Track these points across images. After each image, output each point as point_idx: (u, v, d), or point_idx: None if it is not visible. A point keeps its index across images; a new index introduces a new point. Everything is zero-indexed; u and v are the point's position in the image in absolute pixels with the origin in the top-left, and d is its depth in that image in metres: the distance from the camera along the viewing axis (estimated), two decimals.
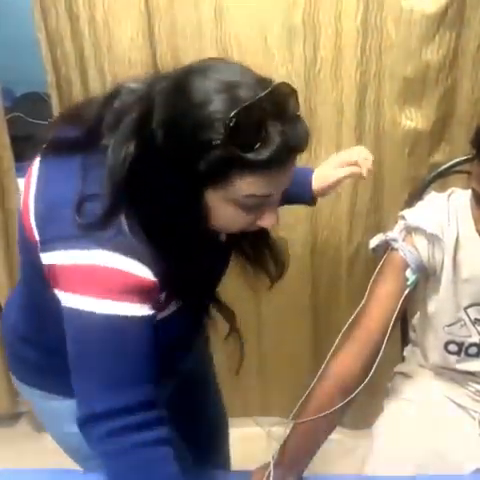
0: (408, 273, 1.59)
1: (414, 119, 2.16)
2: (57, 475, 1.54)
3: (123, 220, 1.18)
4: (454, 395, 1.76)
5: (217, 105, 1.09)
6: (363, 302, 1.59)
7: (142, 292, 1.19)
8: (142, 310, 1.20)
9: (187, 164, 1.12)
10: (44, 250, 1.21)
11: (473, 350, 1.66)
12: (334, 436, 1.55)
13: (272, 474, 1.41)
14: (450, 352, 1.68)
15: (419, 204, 1.71)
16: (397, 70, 2.10)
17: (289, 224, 2.38)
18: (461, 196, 1.62)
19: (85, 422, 1.21)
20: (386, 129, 2.21)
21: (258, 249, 1.48)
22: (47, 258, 1.20)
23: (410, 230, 1.61)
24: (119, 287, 1.17)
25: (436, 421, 1.72)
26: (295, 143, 1.14)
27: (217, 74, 1.14)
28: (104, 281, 1.16)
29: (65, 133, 1.30)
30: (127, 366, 1.20)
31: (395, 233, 1.63)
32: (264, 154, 1.10)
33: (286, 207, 2.32)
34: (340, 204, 2.34)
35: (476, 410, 1.73)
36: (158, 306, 1.26)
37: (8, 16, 2.32)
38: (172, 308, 1.33)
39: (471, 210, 1.50)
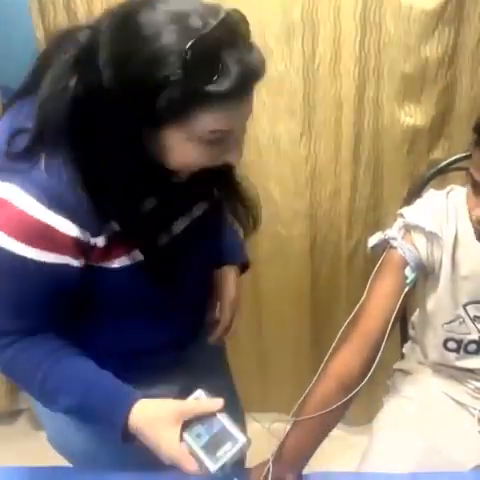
0: (407, 271, 1.58)
1: (413, 115, 2.16)
2: (56, 473, 1.53)
3: (43, 156, 1.15)
4: (453, 392, 1.75)
5: (169, 37, 1.05)
6: (362, 300, 1.59)
7: (43, 237, 1.16)
8: (40, 256, 1.17)
9: (141, 104, 1.08)
10: None
11: (472, 347, 1.66)
12: (334, 432, 1.55)
13: (271, 471, 1.41)
14: (449, 349, 1.68)
15: (418, 202, 1.70)
16: (396, 66, 2.10)
17: (288, 220, 2.38)
18: (460, 193, 1.61)
19: None
20: (385, 125, 2.20)
21: (230, 201, 1.45)
22: None
23: (409, 228, 1.61)
24: (16, 225, 1.15)
25: (435, 418, 1.72)
26: (253, 71, 1.11)
27: (164, 5, 1.08)
28: (5, 216, 1.14)
29: None
30: (5, 298, 1.24)
31: (394, 231, 1.62)
32: (225, 85, 1.07)
33: (285, 201, 2.34)
34: (339, 200, 2.34)
35: (475, 407, 1.73)
36: (96, 256, 1.23)
37: (5, 12, 2.31)
38: (133, 259, 1.27)
39: (466, 198, 1.49)
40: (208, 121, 1.11)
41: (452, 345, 1.67)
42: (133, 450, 1.48)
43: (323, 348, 1.57)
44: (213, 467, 1.19)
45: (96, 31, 1.12)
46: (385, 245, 1.65)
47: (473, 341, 1.65)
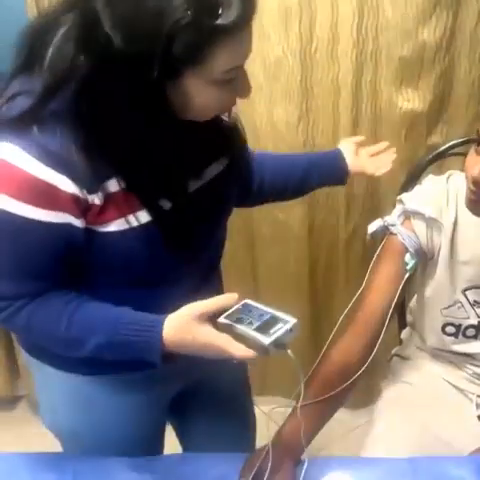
0: (407, 258, 1.58)
1: (411, 100, 2.15)
2: (55, 459, 1.54)
3: (42, 120, 1.15)
4: (452, 378, 1.76)
5: None
6: (362, 287, 1.59)
7: (43, 196, 1.16)
8: (41, 215, 1.17)
9: (157, 57, 1.08)
10: None
11: (471, 332, 1.66)
12: (333, 417, 1.56)
13: (271, 456, 1.42)
14: (447, 334, 1.68)
15: (417, 188, 1.70)
16: (394, 50, 2.09)
17: (286, 205, 2.37)
18: (459, 178, 1.60)
19: None
20: (383, 110, 2.20)
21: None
22: None
23: (408, 214, 1.60)
24: (17, 185, 1.14)
25: (434, 403, 1.73)
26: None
27: None
28: (4, 176, 1.14)
29: None
30: (9, 262, 1.24)
31: (393, 218, 1.62)
32: (230, 16, 1.09)
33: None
34: None
35: (473, 392, 1.73)
36: (94, 215, 1.23)
37: None
38: (133, 222, 1.26)
39: (466, 163, 1.47)
40: (223, 58, 1.13)
41: (451, 330, 1.67)
42: (116, 429, 1.55)
43: (322, 332, 1.58)
44: (267, 340, 1.15)
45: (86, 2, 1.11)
46: (384, 231, 1.64)
47: (472, 326, 1.65)
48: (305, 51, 2.12)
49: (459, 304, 1.63)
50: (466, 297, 1.63)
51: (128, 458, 1.50)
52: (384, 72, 2.14)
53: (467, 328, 1.66)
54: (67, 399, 1.53)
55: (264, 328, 1.17)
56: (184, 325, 1.22)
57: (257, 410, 1.83)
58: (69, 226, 1.21)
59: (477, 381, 1.73)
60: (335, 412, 1.54)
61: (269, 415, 1.53)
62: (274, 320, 1.19)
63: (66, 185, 1.16)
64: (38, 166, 1.14)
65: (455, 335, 1.68)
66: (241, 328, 1.18)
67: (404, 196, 1.65)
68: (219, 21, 1.08)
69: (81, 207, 1.20)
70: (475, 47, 2.06)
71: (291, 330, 1.17)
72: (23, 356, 1.59)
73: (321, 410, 1.52)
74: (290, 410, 1.52)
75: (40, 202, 1.16)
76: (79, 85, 1.13)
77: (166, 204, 1.28)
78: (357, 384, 1.54)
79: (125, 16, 1.08)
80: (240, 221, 2.36)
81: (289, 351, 1.18)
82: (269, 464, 1.40)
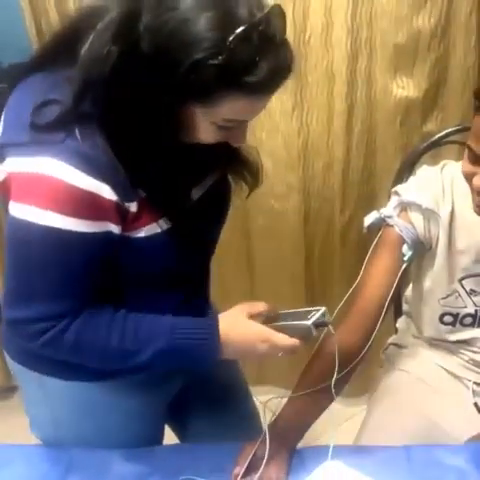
0: (404, 249, 1.58)
1: (406, 87, 2.15)
2: (51, 449, 1.55)
3: (77, 125, 1.15)
4: (448, 364, 1.76)
5: (214, 21, 1.07)
6: (359, 278, 1.59)
7: (88, 206, 1.16)
8: (86, 226, 1.18)
9: (174, 79, 1.09)
10: (0, 160, 1.19)
11: (468, 320, 1.67)
12: (330, 407, 1.56)
13: (268, 445, 1.42)
14: (445, 323, 1.68)
15: (412, 179, 1.69)
16: (388, 37, 2.08)
17: (282, 194, 2.38)
18: (454, 168, 1.60)
19: (11, 324, 1.27)
20: (378, 97, 2.19)
21: (232, 163, 1.47)
22: (3, 167, 1.19)
23: (405, 206, 1.60)
24: (63, 200, 1.14)
25: (430, 391, 1.73)
26: (284, 69, 1.14)
27: None
28: (48, 192, 1.14)
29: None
30: (55, 280, 1.22)
31: (389, 209, 1.61)
32: (257, 78, 1.09)
33: (278, 175, 2.33)
34: (332, 173, 2.33)
35: (470, 379, 1.73)
36: (128, 221, 1.24)
37: None
38: (158, 228, 1.28)
39: (462, 168, 1.47)
40: (229, 109, 1.15)
41: (448, 319, 1.67)
42: (120, 432, 1.55)
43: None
44: (308, 322, 1.29)
45: None
46: (381, 223, 1.64)
47: (469, 314, 1.65)
48: (299, 39, 2.11)
49: (456, 294, 1.63)
50: (463, 286, 1.62)
51: (124, 449, 1.51)
52: (379, 59, 2.13)
53: (464, 317, 1.66)
54: (71, 409, 1.52)
55: (301, 318, 1.32)
56: (236, 319, 1.33)
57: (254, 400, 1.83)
58: (110, 234, 1.22)
59: (473, 368, 1.73)
60: (331, 401, 1.54)
61: (266, 405, 1.53)
62: (306, 312, 1.33)
63: (108, 193, 1.17)
64: (82, 177, 1.14)
65: (452, 324, 1.68)
66: (283, 322, 1.34)
67: (399, 187, 1.64)
68: (243, 78, 1.09)
69: (120, 214, 1.22)
70: (470, 34, 2.06)
71: (324, 315, 1.31)
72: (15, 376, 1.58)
73: (317, 400, 1.52)
74: (286, 400, 1.52)
75: (85, 213, 1.17)
76: (106, 80, 1.13)
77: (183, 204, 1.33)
78: (353, 374, 1.54)
79: (163, 27, 1.08)
80: (235, 211, 2.34)
81: (330, 327, 1.33)
82: (266, 452, 1.41)
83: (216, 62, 1.06)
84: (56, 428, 1.56)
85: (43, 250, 1.19)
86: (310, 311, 1.33)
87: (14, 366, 1.53)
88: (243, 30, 1.06)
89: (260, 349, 1.31)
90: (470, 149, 1.38)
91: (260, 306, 1.36)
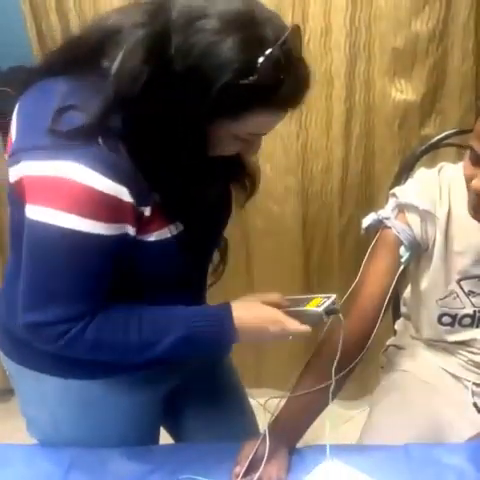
0: (402, 251, 1.59)
1: (404, 90, 2.15)
2: (51, 449, 1.54)
3: (100, 136, 1.17)
4: (447, 365, 1.76)
5: (242, 43, 1.10)
6: (357, 280, 1.59)
7: (108, 209, 1.18)
8: (106, 229, 1.19)
9: (205, 98, 1.13)
10: (14, 162, 1.20)
11: (467, 321, 1.67)
12: (328, 407, 1.56)
13: (268, 444, 1.43)
14: (443, 324, 1.68)
15: (409, 181, 1.70)
16: (387, 41, 2.09)
17: (280, 197, 2.39)
18: (451, 170, 1.61)
19: (29, 327, 1.27)
20: (376, 101, 2.20)
21: (236, 171, 1.50)
22: (16, 171, 1.20)
23: (402, 208, 1.61)
24: (83, 202, 1.16)
25: (431, 391, 1.73)
26: (306, 84, 1.20)
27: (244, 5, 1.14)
28: (69, 194, 1.15)
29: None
30: (74, 281, 1.24)
31: (387, 211, 1.62)
32: (282, 95, 1.15)
33: (277, 178, 2.34)
34: (331, 176, 2.34)
35: (469, 379, 1.74)
36: (141, 225, 1.26)
37: None
38: (169, 233, 1.31)
39: (463, 170, 1.48)
40: (254, 124, 1.21)
41: (447, 320, 1.68)
42: (117, 430, 1.56)
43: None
44: (319, 309, 1.34)
45: (166, 13, 1.14)
46: (379, 225, 1.65)
47: (467, 315, 1.66)
48: None
49: (454, 295, 1.64)
50: (461, 287, 1.63)
51: (123, 448, 1.51)
52: (377, 63, 2.14)
53: (463, 317, 1.67)
54: (69, 408, 1.52)
55: (312, 304, 1.37)
56: (249, 303, 1.38)
57: (253, 402, 1.84)
58: (126, 236, 1.24)
59: (472, 368, 1.73)
60: (329, 403, 1.54)
61: (264, 406, 1.53)
62: (316, 299, 1.38)
63: (126, 196, 1.19)
64: (101, 180, 1.15)
65: (451, 325, 1.68)
66: (297, 308, 1.38)
67: (397, 189, 1.65)
68: (271, 96, 1.14)
69: (136, 217, 1.24)
70: (468, 38, 2.06)
71: (334, 303, 1.37)
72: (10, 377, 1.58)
73: (315, 401, 1.53)
74: (285, 400, 1.53)
75: (104, 216, 1.18)
76: (137, 98, 1.15)
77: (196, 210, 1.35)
78: (351, 375, 1.55)
79: (193, 48, 1.11)
80: (234, 213, 2.36)
81: (340, 315, 1.39)
82: (266, 451, 1.42)
83: (246, 82, 1.11)
84: (54, 428, 1.56)
85: (62, 252, 1.20)
86: (320, 297, 1.39)
87: (10, 366, 1.53)
88: (271, 51, 1.11)
89: (272, 331, 1.34)
90: (472, 149, 1.39)
91: (273, 296, 1.40)
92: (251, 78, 1.11)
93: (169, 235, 1.30)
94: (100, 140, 1.17)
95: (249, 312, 1.35)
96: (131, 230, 1.24)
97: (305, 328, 1.34)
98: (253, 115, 1.17)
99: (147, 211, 1.25)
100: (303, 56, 1.21)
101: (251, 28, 1.12)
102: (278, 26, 1.16)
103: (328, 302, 1.35)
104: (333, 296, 1.38)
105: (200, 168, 1.27)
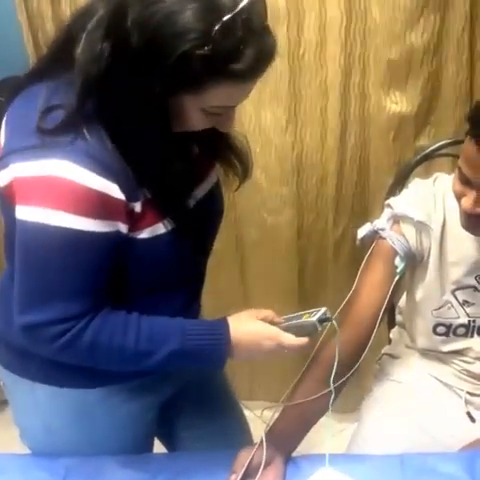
0: (397, 261, 1.60)
1: (399, 102, 2.16)
2: (47, 458, 1.54)
3: (83, 126, 1.17)
4: (441, 374, 1.77)
5: (199, 12, 1.09)
6: (352, 291, 1.60)
7: (99, 206, 1.18)
8: (98, 226, 1.19)
9: (163, 70, 1.12)
10: (3, 166, 1.20)
11: (461, 330, 1.68)
12: (323, 419, 1.56)
13: (265, 453, 1.43)
14: (438, 334, 1.69)
15: (404, 192, 1.72)
16: (382, 53, 2.10)
17: (275, 208, 2.39)
18: (446, 181, 1.62)
19: (27, 329, 1.26)
20: (371, 113, 2.21)
21: (222, 151, 1.49)
22: (6, 174, 1.20)
23: (397, 219, 1.61)
24: (73, 200, 1.16)
25: (423, 400, 1.74)
26: (268, 54, 1.17)
27: None
28: (59, 193, 1.16)
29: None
30: (70, 280, 1.23)
31: (382, 222, 1.63)
32: (243, 65, 1.12)
33: (271, 189, 2.34)
34: (326, 188, 2.34)
35: (462, 388, 1.74)
36: (133, 221, 1.26)
37: None
38: (162, 229, 1.31)
39: (452, 185, 1.49)
40: (218, 96, 1.18)
41: (441, 330, 1.68)
42: (111, 438, 1.55)
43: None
44: (314, 318, 1.35)
45: None
46: (374, 236, 1.65)
47: (462, 325, 1.67)
48: (293, 54, 2.12)
49: (449, 305, 1.65)
50: (456, 297, 1.64)
51: (119, 456, 1.51)
52: (372, 75, 2.15)
53: (458, 327, 1.68)
54: (63, 416, 1.52)
55: (305, 318, 1.38)
56: (244, 319, 1.37)
57: (247, 413, 1.83)
58: (119, 233, 1.24)
59: (466, 378, 1.74)
60: (325, 412, 1.54)
61: (261, 416, 1.54)
62: (308, 313, 1.39)
63: (117, 193, 1.19)
64: (92, 177, 1.16)
65: (446, 334, 1.69)
66: (290, 323, 1.38)
67: (392, 200, 1.66)
68: (230, 66, 1.12)
69: (128, 214, 1.24)
70: (462, 50, 2.07)
71: (325, 313, 1.37)
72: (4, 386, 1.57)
73: (312, 409, 1.53)
74: (279, 411, 1.53)
75: (97, 213, 1.18)
76: (103, 77, 1.15)
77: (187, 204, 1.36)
78: (346, 385, 1.56)
79: (150, 20, 1.10)
80: (229, 224, 2.37)
81: (334, 322, 1.39)
82: (263, 459, 1.42)
83: (203, 52, 1.09)
84: (48, 437, 1.55)
85: (56, 251, 1.20)
86: (310, 312, 1.39)
87: (4, 376, 1.53)
88: (227, 20, 1.09)
89: (266, 346, 1.35)
90: (460, 170, 1.40)
91: (267, 312, 1.39)
92: (207, 47, 1.09)
93: (161, 231, 1.30)
94: (85, 131, 1.17)
95: (244, 327, 1.35)
96: (123, 227, 1.24)
97: (300, 341, 1.35)
98: (215, 87, 1.15)
99: (137, 207, 1.25)
100: (267, 25, 1.18)
101: None
102: None
103: (320, 313, 1.36)
104: (323, 308, 1.39)
105: (174, 143, 1.26)
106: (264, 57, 1.16)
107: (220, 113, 1.25)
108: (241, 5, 1.10)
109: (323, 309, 1.38)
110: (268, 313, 1.39)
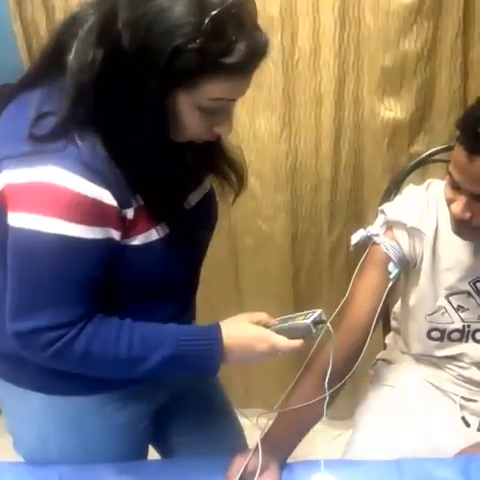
0: (390, 267, 1.60)
1: (393, 109, 2.16)
2: (40, 465, 1.54)
3: (75, 133, 1.17)
4: (436, 379, 1.77)
5: (189, 7, 1.10)
6: (346, 297, 1.60)
7: (91, 212, 1.18)
8: (91, 232, 1.19)
9: (157, 68, 1.12)
10: None
11: (456, 335, 1.68)
12: (317, 426, 1.56)
13: (261, 458, 1.43)
14: (433, 339, 1.69)
15: (398, 198, 1.73)
16: (375, 60, 2.10)
17: (270, 215, 2.39)
18: (439, 186, 1.62)
19: (19, 336, 1.26)
20: (365, 119, 2.21)
21: (217, 163, 1.50)
22: None
23: (391, 224, 1.62)
24: (66, 206, 1.16)
25: (418, 406, 1.74)
26: (260, 49, 1.18)
27: None
28: (51, 199, 1.16)
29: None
30: (63, 287, 1.23)
31: (376, 228, 1.64)
32: (235, 59, 1.13)
33: (266, 196, 2.34)
34: (320, 194, 2.35)
35: (457, 393, 1.75)
36: (126, 228, 1.26)
37: None
38: (155, 235, 1.31)
39: (444, 194, 1.50)
40: (213, 89, 1.18)
41: (436, 334, 1.69)
42: (106, 446, 1.55)
43: (306, 342, 1.58)
44: (308, 320, 1.35)
45: None
46: (367, 241, 1.66)
47: (456, 330, 1.67)
48: (287, 62, 2.13)
49: (443, 310, 1.65)
50: (450, 302, 1.64)
51: (113, 463, 1.50)
52: (366, 82, 2.15)
53: (452, 332, 1.68)
54: (57, 424, 1.51)
55: (299, 320, 1.38)
56: (236, 323, 1.37)
57: (243, 420, 1.83)
58: (111, 240, 1.24)
59: (461, 383, 1.74)
60: (319, 418, 1.54)
61: (257, 422, 1.55)
62: (304, 314, 1.39)
63: (109, 199, 1.19)
64: (84, 184, 1.16)
65: (440, 339, 1.69)
66: (284, 325, 1.39)
67: (385, 206, 1.67)
68: (223, 59, 1.13)
69: (120, 220, 1.24)
70: (456, 57, 2.08)
71: (320, 315, 1.37)
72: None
73: (305, 417, 1.54)
74: (274, 418, 1.54)
75: (88, 219, 1.18)
76: (96, 83, 1.15)
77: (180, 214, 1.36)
78: (341, 392, 1.57)
79: (140, 20, 1.11)
80: (223, 231, 2.36)
81: (329, 324, 1.38)
82: (259, 464, 1.42)
83: (195, 46, 1.10)
84: (42, 445, 1.55)
85: (48, 257, 1.20)
86: (306, 313, 1.39)
87: None
88: (217, 13, 1.10)
89: (259, 349, 1.35)
90: (450, 176, 1.41)
91: (260, 315, 1.40)
92: (199, 41, 1.10)
93: (154, 238, 1.30)
94: (77, 138, 1.17)
95: (236, 331, 1.35)
96: (115, 234, 1.24)
97: (294, 343, 1.35)
98: (209, 82, 1.16)
99: (130, 213, 1.25)
100: (257, 23, 1.19)
101: None
102: None
103: (315, 315, 1.36)
104: (319, 310, 1.39)
105: (171, 155, 1.27)
106: (256, 51, 1.17)
107: (216, 111, 1.24)
108: (230, 0, 1.12)
109: (318, 311, 1.38)
110: (262, 316, 1.39)
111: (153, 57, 1.11)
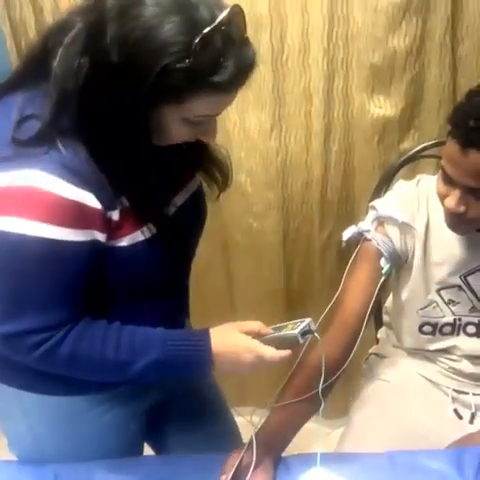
0: (382, 262, 1.62)
1: (383, 106, 2.17)
2: (35, 464, 1.54)
3: (58, 138, 1.17)
4: (428, 372, 1.78)
5: (178, 26, 1.10)
6: (338, 292, 1.61)
7: (75, 215, 1.18)
8: (74, 235, 1.19)
9: (145, 84, 1.12)
10: None
11: (447, 329, 1.69)
12: (309, 425, 1.58)
13: (255, 453, 1.44)
14: (424, 333, 1.70)
15: (388, 193, 1.74)
16: (364, 58, 2.11)
17: (260, 213, 2.39)
18: (429, 181, 1.64)
19: (5, 339, 1.26)
20: (355, 117, 2.21)
21: (203, 163, 1.51)
22: None
23: (382, 220, 1.63)
24: (49, 209, 1.16)
25: (411, 399, 1.75)
26: (248, 64, 1.18)
27: None
28: (34, 203, 1.15)
29: None
30: (47, 290, 1.23)
31: (367, 224, 1.65)
32: (224, 77, 1.13)
33: (257, 194, 2.35)
34: (311, 192, 2.35)
35: (449, 386, 1.76)
36: (112, 230, 1.26)
37: None
38: (141, 236, 1.31)
39: (436, 185, 1.51)
40: (200, 106, 1.19)
41: (428, 329, 1.70)
42: (100, 445, 1.55)
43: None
44: (296, 330, 1.35)
45: (101, 3, 1.13)
46: (359, 238, 1.66)
47: (448, 323, 1.68)
48: (276, 60, 2.13)
49: (434, 304, 1.66)
50: (441, 297, 1.65)
51: (108, 460, 1.50)
52: (355, 79, 2.16)
53: (443, 326, 1.69)
54: (51, 424, 1.52)
55: (288, 329, 1.37)
56: (226, 332, 1.36)
57: (238, 418, 1.83)
58: (96, 242, 1.24)
59: (453, 375, 1.75)
60: (314, 413, 1.55)
61: (251, 419, 1.55)
62: (293, 324, 1.39)
63: (93, 202, 1.19)
64: (67, 187, 1.16)
65: (432, 333, 1.70)
66: (272, 335, 1.38)
67: (376, 202, 1.67)
68: (211, 78, 1.13)
69: (105, 222, 1.24)
70: (445, 53, 2.08)
71: (309, 325, 1.37)
72: None
73: (299, 411, 1.54)
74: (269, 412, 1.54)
75: (71, 222, 1.18)
76: (80, 91, 1.15)
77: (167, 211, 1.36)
78: (334, 391, 1.57)
79: (129, 36, 1.11)
80: (214, 229, 2.36)
81: (316, 334, 1.39)
82: (253, 460, 1.42)
83: (184, 66, 1.10)
84: (36, 444, 1.55)
85: (32, 261, 1.20)
86: (296, 322, 1.38)
87: None
88: (207, 32, 1.10)
89: (245, 360, 1.34)
90: (443, 170, 1.42)
91: (253, 324, 1.39)
92: (188, 61, 1.10)
93: (141, 239, 1.30)
94: (59, 143, 1.17)
95: (224, 339, 1.35)
96: (100, 236, 1.24)
97: (281, 353, 1.34)
98: (197, 98, 1.16)
99: (115, 215, 1.25)
100: (246, 37, 1.19)
101: (187, 11, 1.11)
102: (216, 7, 1.15)
103: (303, 324, 1.36)
104: (308, 319, 1.39)
105: (156, 159, 1.26)
106: (244, 69, 1.17)
107: (202, 122, 1.25)
108: (220, 18, 1.12)
109: (307, 320, 1.38)
110: (254, 325, 1.38)
111: (141, 74, 1.11)
